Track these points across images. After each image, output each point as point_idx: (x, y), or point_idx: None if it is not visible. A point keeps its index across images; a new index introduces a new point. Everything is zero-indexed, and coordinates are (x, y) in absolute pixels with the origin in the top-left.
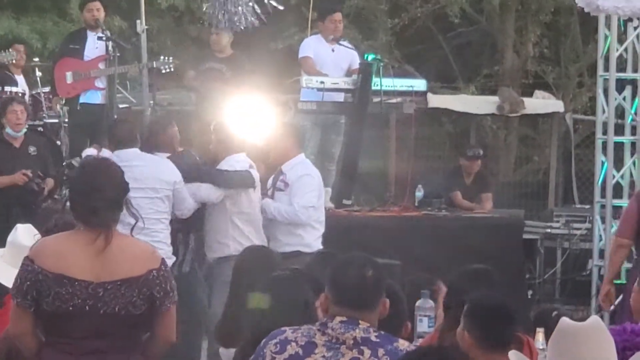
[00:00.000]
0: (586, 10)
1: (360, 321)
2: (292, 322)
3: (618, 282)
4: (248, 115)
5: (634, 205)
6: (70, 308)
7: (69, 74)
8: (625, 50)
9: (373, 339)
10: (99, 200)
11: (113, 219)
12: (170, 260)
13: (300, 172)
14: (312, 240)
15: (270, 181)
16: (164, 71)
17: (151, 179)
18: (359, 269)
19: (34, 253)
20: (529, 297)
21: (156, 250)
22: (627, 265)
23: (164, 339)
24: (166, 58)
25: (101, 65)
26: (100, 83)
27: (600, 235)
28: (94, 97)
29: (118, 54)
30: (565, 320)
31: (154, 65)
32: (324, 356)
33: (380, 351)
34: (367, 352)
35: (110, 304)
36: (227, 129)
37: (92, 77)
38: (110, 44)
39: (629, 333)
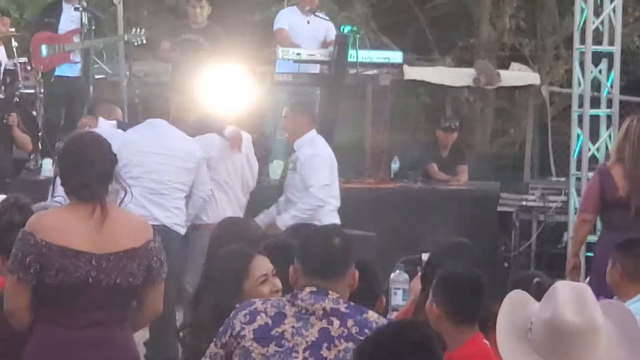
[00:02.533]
0: None
1: (329, 291)
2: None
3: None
4: (224, 86)
5: (595, 181)
6: (75, 280)
7: (43, 48)
8: (602, 23)
9: (342, 309)
10: (90, 173)
11: (106, 190)
12: (183, 230)
13: (309, 152)
14: (323, 215)
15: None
16: (136, 44)
17: (179, 149)
18: (326, 238)
19: (33, 227)
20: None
21: (148, 221)
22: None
23: (154, 310)
24: (139, 30)
25: (76, 39)
26: (75, 56)
27: (576, 208)
28: (70, 70)
29: (94, 27)
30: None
31: (126, 39)
32: (293, 326)
33: (350, 322)
34: (337, 322)
35: (111, 275)
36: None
37: (67, 51)
38: (85, 15)
39: None
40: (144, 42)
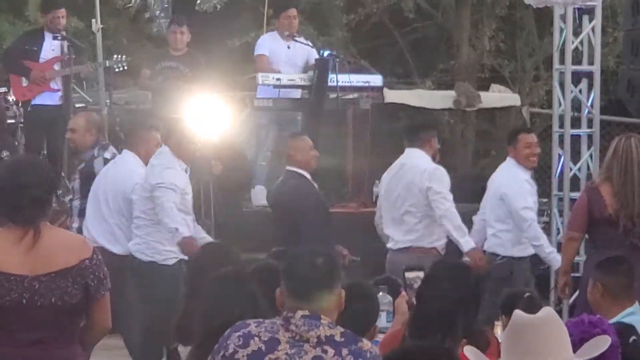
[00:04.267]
0: (534, 5)
1: (322, 316)
2: (241, 318)
3: (576, 275)
4: (205, 113)
5: (583, 199)
6: (7, 303)
7: (24, 77)
8: (581, 43)
9: (337, 338)
10: (25, 198)
11: (41, 215)
12: (144, 257)
13: None
14: None
15: None
16: (117, 70)
17: (121, 183)
18: (310, 258)
19: None
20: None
21: (87, 240)
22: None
23: (100, 326)
24: (119, 56)
25: (56, 67)
26: (55, 84)
27: (558, 229)
28: (49, 99)
29: (74, 55)
30: (518, 313)
31: (107, 65)
32: (287, 353)
33: (344, 351)
34: (331, 351)
35: (46, 295)
36: None
37: (47, 79)
38: (66, 44)
39: (586, 324)
40: (125, 67)
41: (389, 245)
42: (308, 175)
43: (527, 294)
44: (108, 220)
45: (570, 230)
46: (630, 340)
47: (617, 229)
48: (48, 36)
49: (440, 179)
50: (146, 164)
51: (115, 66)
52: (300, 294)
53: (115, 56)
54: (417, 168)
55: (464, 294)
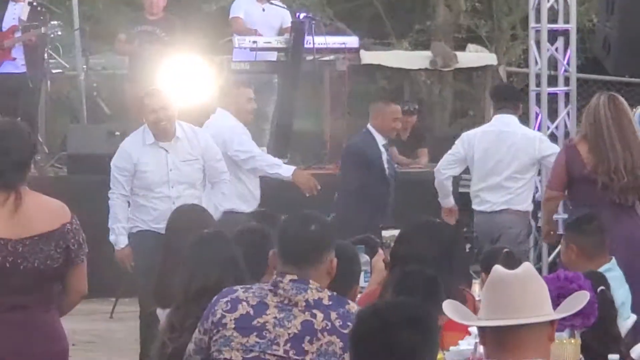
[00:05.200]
0: None
1: (310, 281)
2: (221, 280)
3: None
4: (182, 77)
5: (562, 157)
6: None
7: None
8: (556, 1)
9: (326, 302)
10: (7, 162)
11: (21, 179)
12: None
13: None
14: None
15: None
16: (52, 35)
17: None
18: (303, 223)
19: None
20: (467, 250)
21: (65, 205)
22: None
23: (77, 291)
24: (55, 22)
25: (16, 34)
26: (15, 53)
27: (537, 187)
28: (12, 67)
29: (35, 22)
30: (497, 268)
31: (42, 31)
32: (275, 317)
33: (333, 314)
34: (320, 315)
35: (29, 259)
36: None
37: (6, 48)
38: (28, 10)
39: (562, 280)
40: (59, 33)
41: (482, 208)
42: (382, 140)
43: (505, 250)
44: None
45: (550, 190)
46: (598, 290)
47: (595, 186)
48: (12, 4)
49: (554, 148)
50: (240, 120)
51: (50, 32)
52: (290, 258)
53: (51, 22)
54: (525, 135)
55: (439, 252)
